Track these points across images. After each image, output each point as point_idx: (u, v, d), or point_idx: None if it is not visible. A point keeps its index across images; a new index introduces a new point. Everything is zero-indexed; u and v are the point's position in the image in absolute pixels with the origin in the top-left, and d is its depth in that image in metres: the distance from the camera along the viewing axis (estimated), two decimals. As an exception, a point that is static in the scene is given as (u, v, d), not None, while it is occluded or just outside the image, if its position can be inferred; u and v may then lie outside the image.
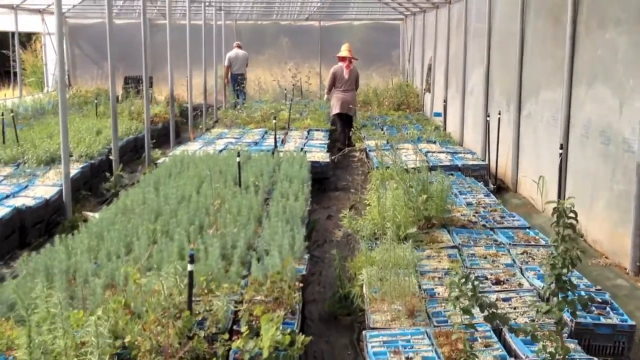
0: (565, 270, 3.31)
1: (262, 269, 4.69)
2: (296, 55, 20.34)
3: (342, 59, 13.40)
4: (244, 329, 3.71)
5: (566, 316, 4.10)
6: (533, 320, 4.17)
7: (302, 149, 10.77)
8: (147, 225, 5.53)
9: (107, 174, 9.48)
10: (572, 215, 3.32)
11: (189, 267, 3.55)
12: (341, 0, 20.45)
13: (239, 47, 17.81)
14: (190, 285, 3.61)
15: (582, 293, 4.02)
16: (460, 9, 12.86)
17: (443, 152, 10.76)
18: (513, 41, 9.31)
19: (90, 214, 7.79)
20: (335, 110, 13.41)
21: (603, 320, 4.33)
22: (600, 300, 4.59)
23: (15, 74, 18.87)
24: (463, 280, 3.24)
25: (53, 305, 3.17)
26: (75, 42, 20.72)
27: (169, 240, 5.21)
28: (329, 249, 7.11)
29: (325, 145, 11.38)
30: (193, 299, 4.10)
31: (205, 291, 4.27)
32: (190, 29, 14.57)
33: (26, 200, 7.23)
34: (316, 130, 13.14)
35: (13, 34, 18.26)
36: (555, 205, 3.36)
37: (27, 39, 21.93)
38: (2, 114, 10.32)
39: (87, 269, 4.51)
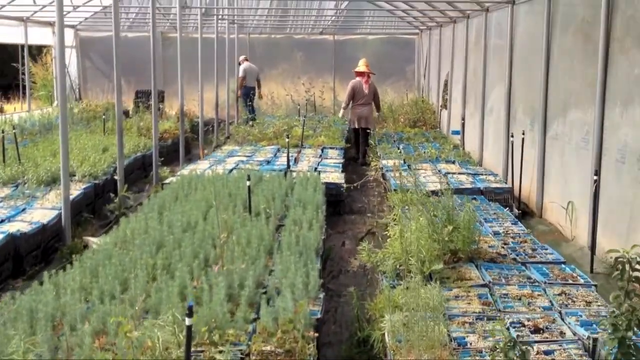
0: (630, 333, 2.81)
1: (273, 312, 4.18)
2: (310, 70, 19.98)
3: (360, 74, 13.61)
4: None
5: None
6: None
7: (316, 168, 10.31)
8: (147, 260, 5.03)
9: (112, 195, 9.04)
10: (638, 267, 2.83)
11: (187, 322, 3.06)
12: (356, 14, 20.06)
13: (247, 60, 17.46)
14: (189, 341, 3.12)
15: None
16: (479, 23, 12.41)
17: (463, 174, 10.24)
18: (538, 58, 8.86)
19: (91, 239, 7.34)
20: (354, 125, 13.34)
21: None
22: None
23: (25, 87, 18.57)
24: (510, 345, 2.74)
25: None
26: (86, 55, 20.59)
27: (170, 278, 4.71)
28: (344, 281, 6.63)
29: (340, 165, 10.90)
30: (193, 349, 3.63)
31: (207, 342, 3.76)
32: (203, 43, 14.26)
33: (22, 225, 6.75)
34: (330, 148, 12.66)
35: (23, 46, 17.99)
36: (617, 254, 2.86)
37: (38, 52, 21.65)
38: (3, 131, 9.87)
39: (76, 313, 4.02)
